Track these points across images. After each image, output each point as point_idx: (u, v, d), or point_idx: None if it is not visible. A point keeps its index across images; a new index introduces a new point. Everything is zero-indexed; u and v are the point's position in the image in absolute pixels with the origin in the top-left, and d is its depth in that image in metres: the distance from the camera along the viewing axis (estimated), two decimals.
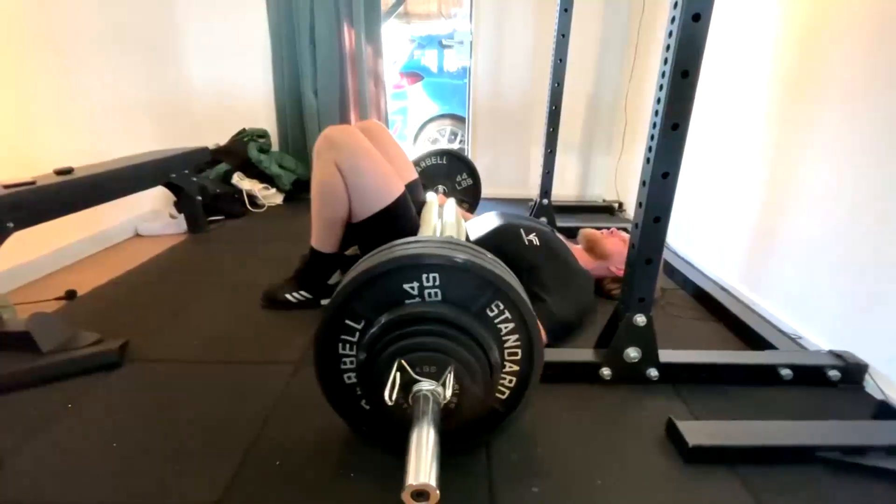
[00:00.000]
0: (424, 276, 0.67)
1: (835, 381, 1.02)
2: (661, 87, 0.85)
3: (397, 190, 1.24)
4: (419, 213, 1.38)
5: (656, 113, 0.87)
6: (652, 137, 0.88)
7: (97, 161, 1.62)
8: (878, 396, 0.99)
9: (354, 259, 1.58)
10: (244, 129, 2.54)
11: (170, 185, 1.91)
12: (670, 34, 0.82)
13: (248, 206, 2.35)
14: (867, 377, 1.03)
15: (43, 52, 1.59)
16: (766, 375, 1.03)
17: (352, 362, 0.73)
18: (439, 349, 0.65)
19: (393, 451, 0.79)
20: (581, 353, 1.05)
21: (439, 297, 0.68)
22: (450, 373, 0.64)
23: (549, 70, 1.91)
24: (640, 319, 0.98)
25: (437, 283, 0.68)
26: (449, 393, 0.64)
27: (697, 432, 0.83)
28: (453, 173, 2.04)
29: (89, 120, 1.80)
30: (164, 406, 0.93)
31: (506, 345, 0.72)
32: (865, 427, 0.88)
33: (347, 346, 0.72)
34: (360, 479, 0.75)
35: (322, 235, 1.30)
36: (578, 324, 1.21)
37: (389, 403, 0.62)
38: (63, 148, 1.65)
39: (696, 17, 0.79)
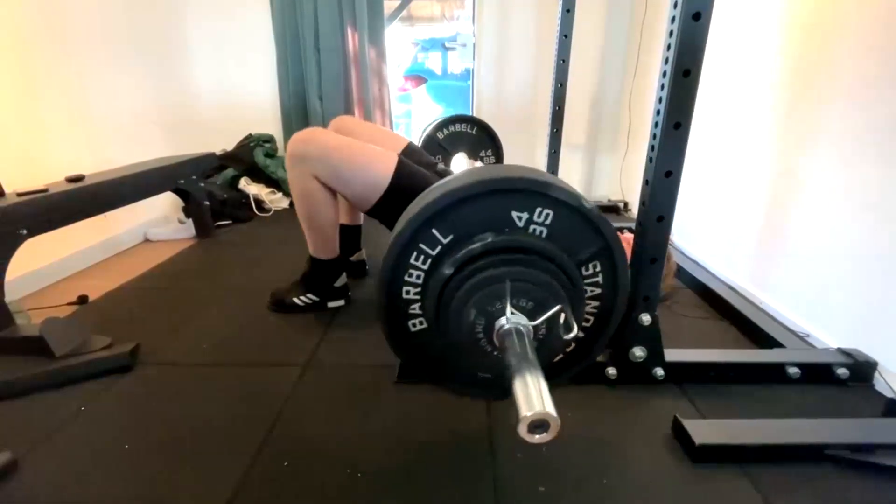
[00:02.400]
0: (539, 208, 0.62)
1: (844, 380, 1.02)
2: (662, 87, 0.86)
3: (390, 164, 1.15)
4: (431, 164, 1.33)
5: (658, 112, 0.87)
6: (654, 136, 0.88)
7: (107, 168, 1.65)
8: (888, 394, 0.98)
9: (360, 264, 1.60)
10: (250, 135, 2.57)
11: (178, 191, 1.94)
12: (671, 33, 0.82)
13: (256, 211, 2.38)
14: (876, 375, 1.02)
15: (53, 61, 1.62)
16: (773, 374, 1.03)
17: (419, 276, 0.67)
18: (550, 288, 0.59)
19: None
20: None
21: (544, 235, 0.63)
22: (561, 312, 0.59)
23: (551, 71, 1.92)
24: (646, 318, 0.98)
25: (549, 220, 0.62)
26: (556, 331, 0.59)
27: (704, 431, 0.82)
28: (478, 148, 1.94)
29: (99, 128, 1.83)
30: (175, 408, 0.94)
31: (588, 303, 0.68)
32: (874, 425, 0.88)
33: (422, 258, 0.65)
34: (367, 479, 0.76)
35: (317, 244, 1.30)
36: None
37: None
38: (74, 156, 1.68)
39: (697, 16, 0.79)
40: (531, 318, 0.60)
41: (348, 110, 2.57)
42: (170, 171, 1.79)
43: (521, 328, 0.58)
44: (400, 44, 4.19)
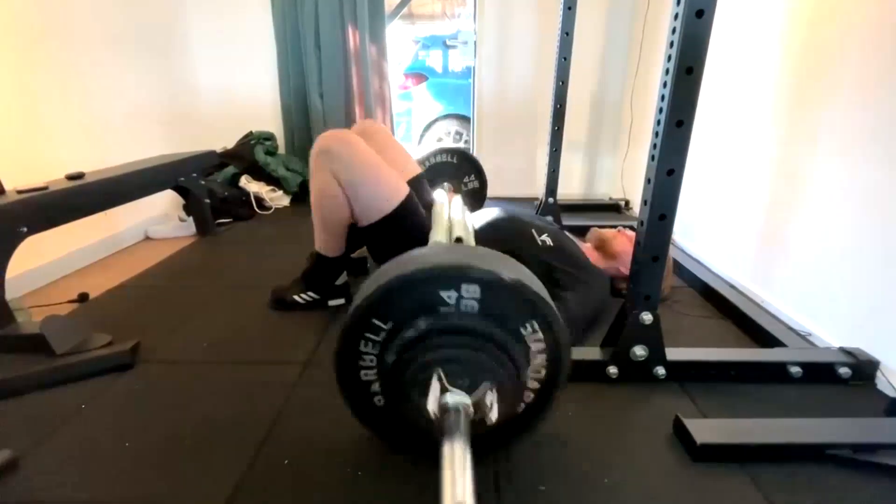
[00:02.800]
0: (465, 286, 0.66)
1: (845, 379, 1.01)
2: (664, 84, 0.85)
3: (401, 193, 1.22)
4: (426, 208, 1.37)
5: (660, 110, 0.87)
6: (656, 135, 0.88)
7: (107, 166, 1.65)
8: (890, 394, 0.98)
9: (361, 261, 1.60)
10: (251, 132, 2.57)
11: (179, 189, 1.93)
12: (674, 31, 0.82)
13: (256, 209, 2.37)
14: (878, 374, 1.01)
15: (53, 58, 1.62)
16: (775, 373, 1.02)
17: (372, 360, 0.72)
18: (479, 365, 0.64)
19: (398, 449, 0.80)
20: (588, 352, 1.05)
21: (476, 310, 0.67)
22: (491, 390, 0.63)
23: (553, 68, 1.91)
24: (647, 317, 0.98)
25: (478, 295, 0.66)
26: (483, 410, 0.63)
27: (706, 430, 0.82)
28: (461, 174, 2.02)
29: (99, 125, 1.83)
30: (176, 406, 0.94)
31: (532, 363, 0.72)
32: (876, 424, 0.87)
33: (370, 344, 0.71)
34: (367, 477, 0.76)
35: (326, 241, 1.30)
36: (595, 322, 1.21)
37: (432, 415, 0.61)
38: (74, 153, 1.68)
39: (700, 14, 0.79)
40: (470, 392, 0.63)
41: (349, 108, 2.57)
42: (170, 169, 1.79)
43: (458, 406, 0.61)
44: (400, 41, 4.18)
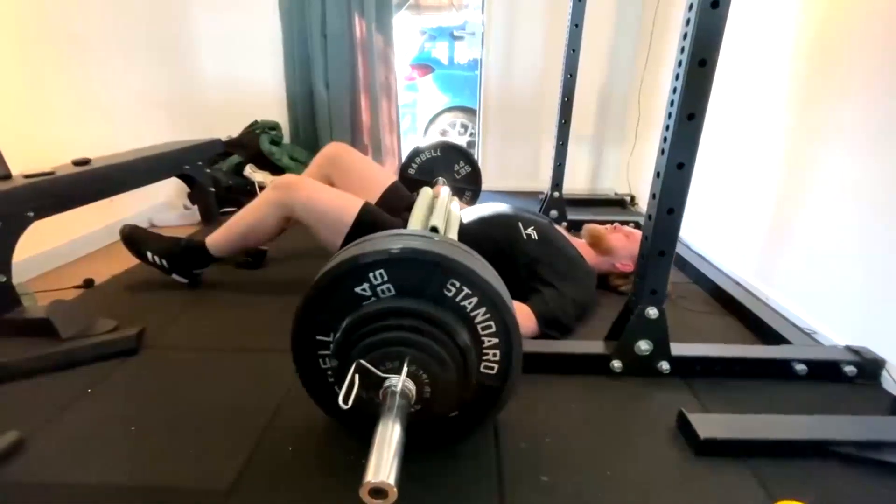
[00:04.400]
0: (371, 274, 0.67)
1: (851, 377, 1.01)
2: (677, 77, 0.84)
3: (355, 208, 1.27)
4: (407, 211, 1.41)
5: (672, 103, 0.86)
6: (667, 128, 0.87)
7: (113, 152, 1.65)
8: (895, 393, 0.97)
9: (260, 254, 1.59)
10: (256, 122, 2.56)
11: (183, 177, 1.93)
12: (688, 21, 0.81)
13: None
14: (884, 373, 1.01)
15: (59, 46, 1.61)
16: (780, 370, 1.02)
17: (332, 373, 0.75)
18: (393, 342, 0.64)
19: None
20: (591, 345, 1.05)
21: (392, 292, 0.68)
22: (407, 364, 0.64)
23: (561, 61, 1.89)
24: (653, 312, 0.97)
25: (386, 278, 0.67)
26: (412, 385, 0.64)
27: (709, 425, 0.82)
28: (450, 163, 2.04)
29: (105, 112, 1.83)
30: (179, 392, 0.95)
31: (476, 320, 0.70)
32: (881, 422, 0.87)
33: (325, 359, 0.75)
34: None
35: (225, 244, 1.36)
36: (576, 318, 1.20)
37: (345, 407, 0.61)
38: (80, 139, 1.68)
39: (715, 4, 0.78)
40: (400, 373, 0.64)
41: (354, 98, 2.55)
42: (175, 157, 1.79)
43: (394, 388, 0.63)
44: (407, 32, 4.15)
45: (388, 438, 0.55)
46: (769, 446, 0.80)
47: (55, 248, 1.59)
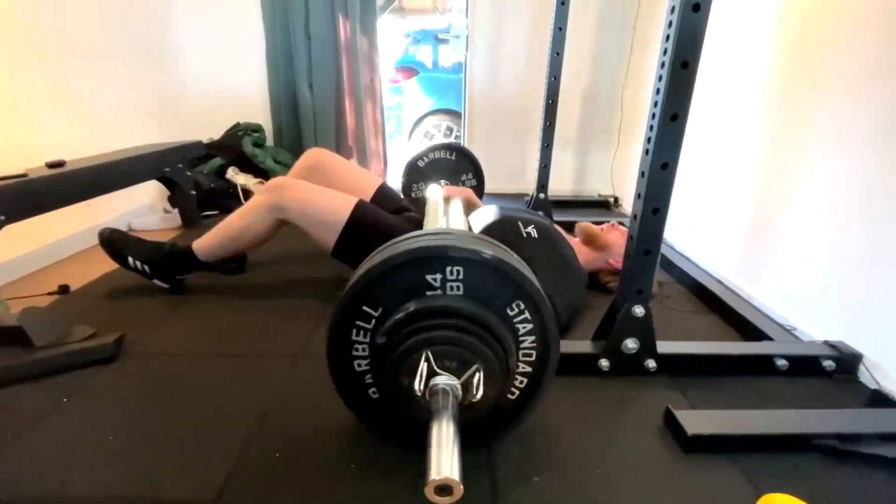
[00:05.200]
0: (449, 268, 0.67)
1: (830, 372, 1.04)
2: (660, 78, 0.85)
3: (349, 206, 1.27)
4: (396, 212, 1.43)
5: (655, 104, 0.87)
6: (651, 128, 0.88)
7: (90, 154, 1.60)
8: (872, 386, 1.00)
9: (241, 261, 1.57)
10: (238, 123, 2.52)
11: (164, 180, 1.89)
12: (670, 24, 0.82)
13: (243, 201, 2.33)
14: (861, 367, 1.04)
15: (36, 46, 1.56)
16: (762, 366, 1.04)
17: (364, 349, 0.72)
18: (467, 346, 0.64)
19: (397, 441, 0.79)
20: (579, 345, 1.05)
21: (461, 291, 0.68)
22: (478, 371, 0.64)
23: (545, 64, 1.91)
24: (639, 310, 0.98)
25: (461, 276, 0.67)
26: (471, 392, 0.64)
27: (696, 421, 0.83)
28: (459, 172, 2.00)
29: (85, 115, 1.78)
30: (162, 399, 0.92)
31: (522, 345, 0.72)
32: (860, 415, 0.90)
33: (362, 332, 0.71)
34: (360, 470, 0.75)
35: (214, 249, 1.35)
36: (568, 323, 1.20)
37: (418, 394, 0.62)
38: (55, 141, 1.63)
39: (696, 7, 0.79)
40: (458, 375, 0.64)
41: (339, 100, 2.54)
42: (155, 159, 1.75)
43: (447, 387, 0.63)
44: (391, 35, 4.15)
45: (447, 436, 0.56)
46: (755, 441, 0.82)
47: (28, 253, 1.54)
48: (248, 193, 2.36)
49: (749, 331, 1.20)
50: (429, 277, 0.67)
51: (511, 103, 2.62)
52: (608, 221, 1.51)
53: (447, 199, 1.57)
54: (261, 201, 1.29)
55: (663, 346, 1.02)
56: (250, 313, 1.27)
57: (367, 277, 0.68)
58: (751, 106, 1.45)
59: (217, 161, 2.37)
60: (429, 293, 0.68)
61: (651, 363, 1.01)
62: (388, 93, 3.11)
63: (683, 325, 1.28)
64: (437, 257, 0.67)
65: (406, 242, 0.69)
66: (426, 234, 0.72)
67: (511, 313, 0.70)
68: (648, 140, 0.89)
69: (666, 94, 0.84)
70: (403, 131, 4.07)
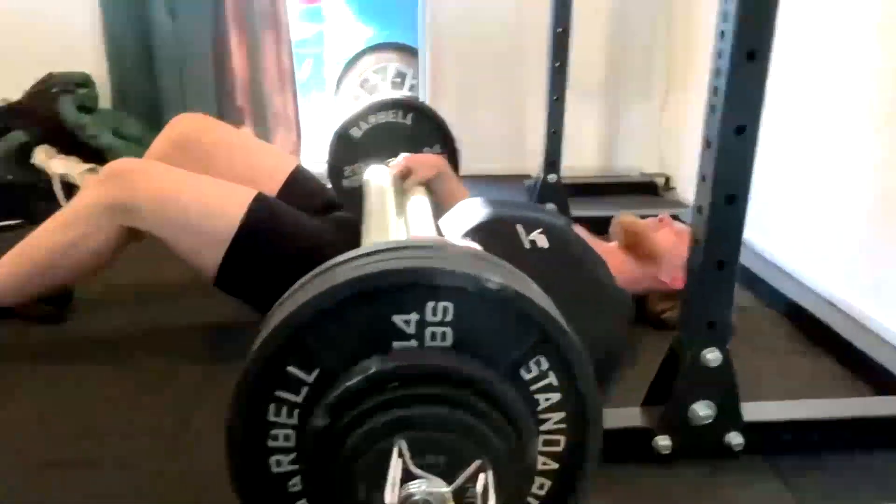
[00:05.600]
0: (431, 304, 0.65)
1: None
2: None
3: (239, 208, 1.27)
4: (322, 210, 1.45)
5: (722, 34, 0.90)
6: (717, 73, 0.91)
7: None
8: None
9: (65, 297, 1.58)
10: (52, 75, 2.47)
11: None
12: None
13: (63, 202, 2.27)
14: None
15: None
16: None
17: (288, 437, 0.70)
18: (464, 431, 0.63)
19: None
20: (622, 415, 1.07)
21: (449, 341, 0.67)
22: (483, 471, 0.62)
23: None
24: (713, 357, 1.00)
25: (450, 317, 0.66)
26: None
27: None
28: (417, 143, 1.95)
29: None
30: None
31: (542, 427, 0.71)
32: None
33: (285, 410, 0.69)
34: None
35: (16, 283, 1.35)
36: (606, 368, 1.22)
37: None
38: None
39: None
40: (448, 477, 0.62)
41: (220, 32, 2.53)
42: None
43: (431, 499, 0.61)
44: None
45: None
46: None
47: None
48: (71, 188, 2.31)
49: (884, 381, 1.23)
50: (397, 320, 0.66)
51: (498, 36, 2.66)
52: (657, 215, 1.54)
53: (401, 188, 1.57)
54: (93, 200, 1.28)
55: (753, 411, 1.04)
56: (84, 388, 1.25)
57: (294, 321, 0.66)
58: (874, 48, 1.49)
59: (16, 136, 2.33)
60: (398, 345, 0.67)
61: (735, 439, 1.03)
62: (299, 19, 3.11)
63: (782, 376, 1.31)
64: (410, 286, 0.65)
65: (352, 263, 0.68)
66: (389, 250, 0.71)
67: (527, 376, 0.69)
68: (715, 91, 0.92)
69: (738, 22, 0.87)
70: (326, 80, 4.07)
